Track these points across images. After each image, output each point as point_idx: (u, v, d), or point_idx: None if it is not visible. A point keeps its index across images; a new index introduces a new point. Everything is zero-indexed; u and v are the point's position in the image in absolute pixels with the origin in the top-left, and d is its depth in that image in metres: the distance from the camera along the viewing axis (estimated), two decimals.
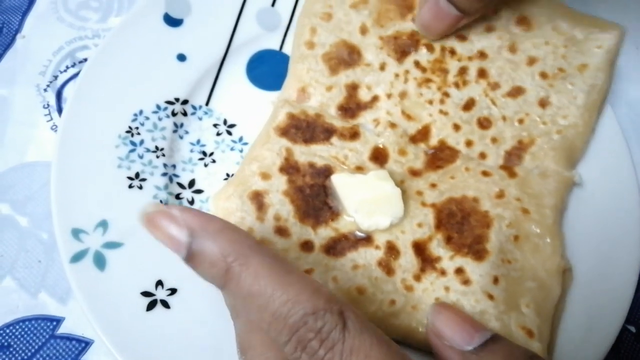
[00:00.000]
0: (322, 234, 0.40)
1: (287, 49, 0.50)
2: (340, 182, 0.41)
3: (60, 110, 0.48)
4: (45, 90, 0.48)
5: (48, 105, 0.48)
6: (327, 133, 0.44)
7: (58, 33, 0.52)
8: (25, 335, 0.40)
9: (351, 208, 0.40)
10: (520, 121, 0.45)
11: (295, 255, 0.39)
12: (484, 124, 0.45)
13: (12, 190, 0.44)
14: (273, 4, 0.51)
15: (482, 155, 0.44)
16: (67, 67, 0.50)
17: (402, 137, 0.44)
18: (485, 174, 0.43)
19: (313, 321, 0.27)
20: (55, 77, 0.49)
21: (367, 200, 0.40)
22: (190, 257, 0.29)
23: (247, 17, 0.50)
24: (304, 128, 0.44)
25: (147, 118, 0.44)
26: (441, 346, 0.32)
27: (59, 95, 0.48)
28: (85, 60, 0.50)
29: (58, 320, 0.41)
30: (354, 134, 0.44)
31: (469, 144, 0.45)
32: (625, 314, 0.41)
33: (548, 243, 0.41)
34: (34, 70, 0.49)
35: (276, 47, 0.50)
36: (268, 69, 0.49)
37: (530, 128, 0.45)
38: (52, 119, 0.47)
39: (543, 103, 0.46)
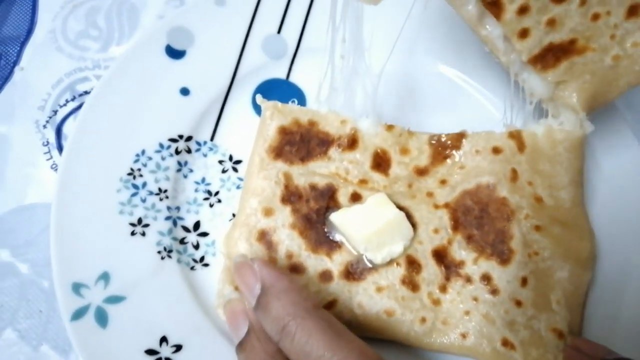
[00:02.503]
0: (339, 260, 0.39)
1: (294, 78, 0.48)
2: (340, 220, 0.39)
3: (60, 147, 0.46)
4: (44, 126, 0.47)
5: (47, 142, 0.46)
6: (324, 145, 0.41)
7: (57, 64, 0.50)
8: None
9: (360, 247, 0.38)
10: (595, 17, 0.36)
11: (316, 289, 0.38)
12: None
13: (13, 235, 0.43)
14: (279, 31, 0.48)
15: (524, 33, 0.36)
16: (67, 101, 0.48)
17: None
18: (495, 150, 0.41)
19: None
20: (55, 112, 0.47)
21: (373, 234, 0.38)
22: (258, 307, 0.33)
23: (252, 45, 0.48)
24: (298, 143, 0.41)
25: (150, 158, 0.42)
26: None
27: (58, 131, 0.47)
28: (86, 93, 0.48)
29: None
30: (352, 142, 0.42)
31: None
32: None
33: (571, 228, 0.39)
34: (32, 105, 0.48)
35: (283, 76, 0.48)
36: (275, 99, 0.46)
37: (596, 31, 0.36)
38: (51, 157, 0.46)
39: (632, 11, 0.36)
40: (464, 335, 0.37)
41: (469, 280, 0.38)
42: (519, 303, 0.37)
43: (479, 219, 0.39)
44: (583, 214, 0.41)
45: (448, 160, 0.42)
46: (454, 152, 0.41)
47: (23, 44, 0.51)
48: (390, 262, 0.38)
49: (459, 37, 0.48)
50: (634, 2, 0.36)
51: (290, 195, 0.40)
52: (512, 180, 0.40)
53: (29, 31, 0.52)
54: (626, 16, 0.36)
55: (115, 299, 0.37)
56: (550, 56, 0.37)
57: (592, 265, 0.40)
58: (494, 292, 0.37)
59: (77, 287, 0.37)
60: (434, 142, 0.42)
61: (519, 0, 0.34)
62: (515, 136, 0.41)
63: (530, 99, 0.40)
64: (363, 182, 0.41)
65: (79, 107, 0.47)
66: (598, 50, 0.37)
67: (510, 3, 0.35)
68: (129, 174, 0.41)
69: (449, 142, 0.42)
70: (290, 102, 0.45)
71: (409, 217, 0.39)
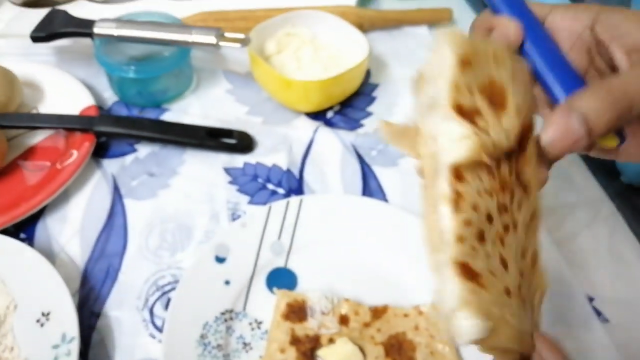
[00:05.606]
0: None
1: (289, 265, 0.81)
2: (323, 353, 0.70)
3: (153, 322, 0.76)
4: (142, 309, 0.77)
5: (145, 320, 0.76)
6: (311, 312, 0.73)
7: (144, 268, 0.81)
8: None
9: None
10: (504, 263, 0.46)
11: None
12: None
13: None
14: (279, 238, 0.82)
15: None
16: (154, 291, 0.79)
17: None
18: (405, 315, 0.73)
19: None
20: (147, 299, 0.78)
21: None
22: None
23: (264, 249, 0.81)
24: (297, 311, 0.74)
25: (211, 326, 0.73)
26: None
27: (151, 312, 0.77)
28: (164, 285, 0.80)
29: None
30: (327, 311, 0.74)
31: None
32: None
33: (448, 352, 0.71)
34: (133, 296, 0.78)
35: (283, 265, 0.81)
36: (279, 282, 0.79)
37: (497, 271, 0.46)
38: (148, 328, 0.76)
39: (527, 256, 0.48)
40: None
41: None
42: None
43: (399, 350, 0.71)
44: (454, 345, 0.72)
45: (380, 319, 0.74)
46: (383, 314, 0.74)
47: (121, 257, 0.83)
48: None
49: (393, 234, 0.82)
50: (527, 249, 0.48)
51: (294, 341, 0.71)
52: (415, 329, 0.73)
53: (124, 247, 0.84)
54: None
55: None
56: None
57: None
58: None
59: None
60: (372, 309, 0.75)
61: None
62: (417, 309, 0.75)
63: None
64: (335, 332, 0.72)
65: (162, 295, 0.79)
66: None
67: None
68: (200, 337, 0.72)
69: (379, 309, 0.75)
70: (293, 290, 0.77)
71: (361, 350, 0.70)
